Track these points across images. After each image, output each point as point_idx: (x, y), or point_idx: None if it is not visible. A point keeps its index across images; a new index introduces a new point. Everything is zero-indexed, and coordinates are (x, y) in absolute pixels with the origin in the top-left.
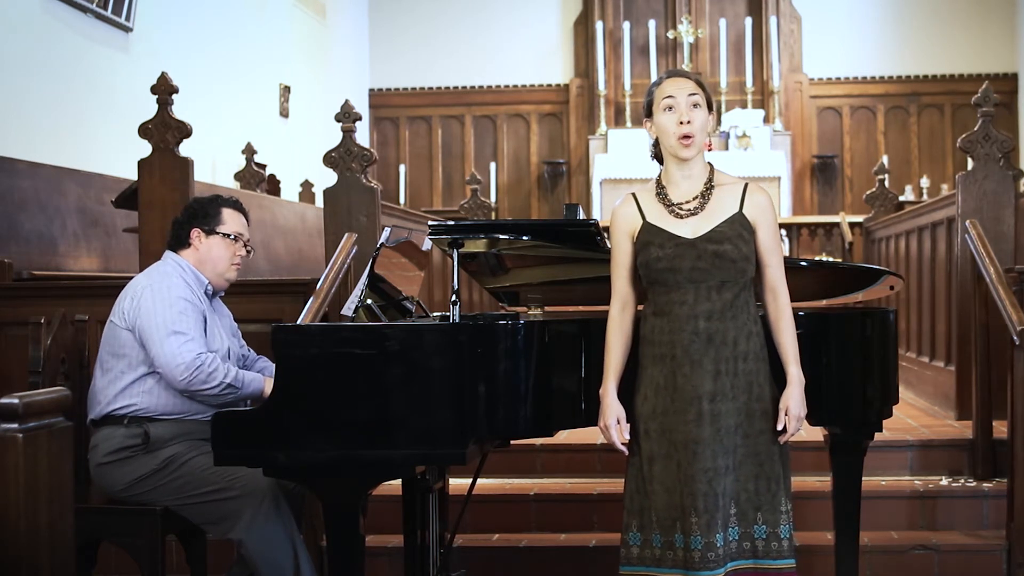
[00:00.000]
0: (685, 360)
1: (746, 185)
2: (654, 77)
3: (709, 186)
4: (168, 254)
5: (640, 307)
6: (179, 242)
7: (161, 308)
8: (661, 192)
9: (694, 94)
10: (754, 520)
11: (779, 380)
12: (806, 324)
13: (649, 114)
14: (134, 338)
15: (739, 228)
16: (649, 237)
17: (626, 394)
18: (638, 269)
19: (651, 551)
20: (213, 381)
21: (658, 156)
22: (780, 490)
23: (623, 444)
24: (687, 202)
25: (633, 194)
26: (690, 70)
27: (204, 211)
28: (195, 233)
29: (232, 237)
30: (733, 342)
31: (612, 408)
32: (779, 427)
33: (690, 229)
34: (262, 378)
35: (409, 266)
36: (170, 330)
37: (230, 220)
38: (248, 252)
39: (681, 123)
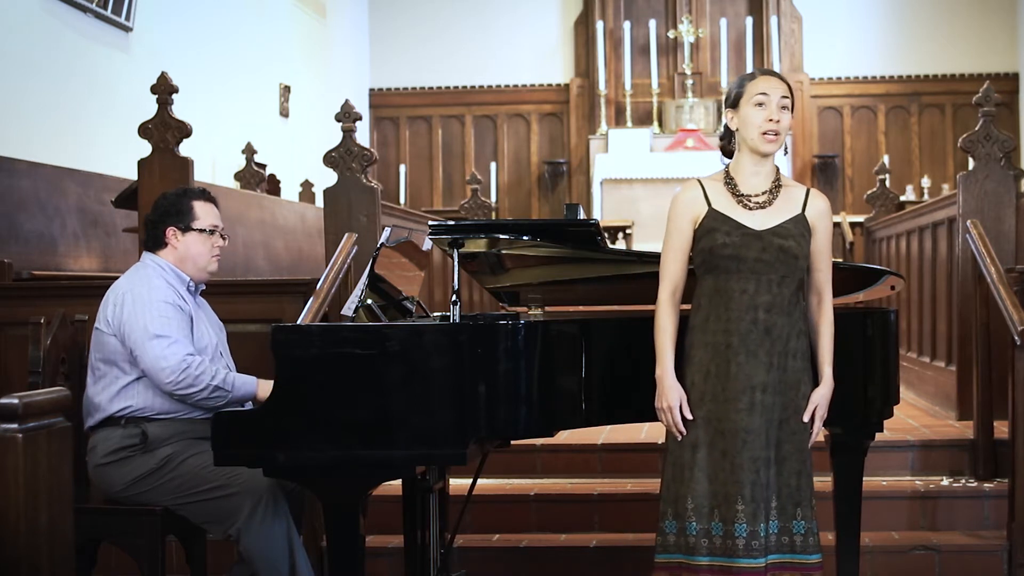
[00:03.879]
0: (741, 349)
1: (808, 190)
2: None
3: (777, 184)
4: (146, 255)
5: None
6: (156, 243)
7: (142, 313)
8: (730, 182)
9: (786, 97)
10: (793, 515)
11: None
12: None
13: (734, 105)
14: (121, 344)
15: (802, 228)
16: (715, 224)
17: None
18: (694, 255)
19: (685, 539)
20: (200, 384)
21: (724, 149)
22: (812, 486)
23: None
24: (756, 195)
25: (699, 181)
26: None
27: (176, 208)
28: (170, 232)
29: (208, 231)
30: (786, 337)
31: (674, 389)
32: (805, 419)
33: (758, 221)
34: (254, 380)
35: (409, 266)
36: (152, 334)
37: (203, 214)
38: (225, 240)
39: (770, 120)
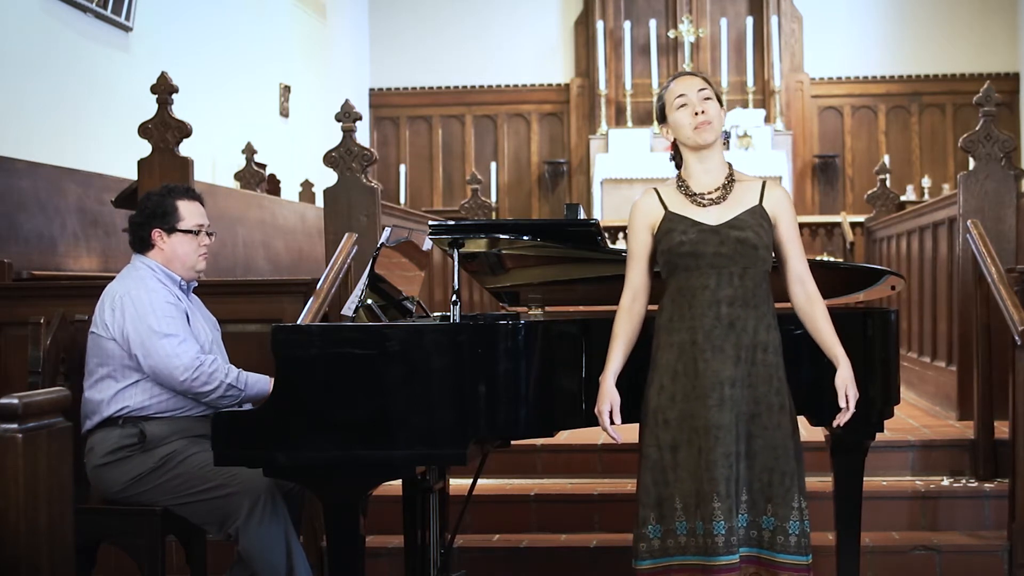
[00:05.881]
0: (707, 345)
1: (764, 182)
2: (655, 77)
3: (730, 180)
4: (136, 257)
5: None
6: (142, 244)
7: (145, 314)
8: (682, 185)
9: (703, 89)
10: (763, 511)
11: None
12: None
13: (663, 119)
14: (120, 347)
15: (759, 219)
16: (672, 225)
17: (640, 386)
18: (658, 259)
19: (675, 540)
20: (214, 382)
21: (677, 160)
22: (794, 486)
23: (617, 433)
24: (709, 193)
25: (655, 188)
26: (691, 70)
27: (160, 209)
28: (156, 234)
29: (194, 231)
30: (753, 330)
31: (607, 395)
32: (841, 405)
33: (713, 216)
34: (268, 379)
35: (409, 266)
36: (161, 334)
37: (188, 214)
38: (211, 238)
39: (696, 114)
